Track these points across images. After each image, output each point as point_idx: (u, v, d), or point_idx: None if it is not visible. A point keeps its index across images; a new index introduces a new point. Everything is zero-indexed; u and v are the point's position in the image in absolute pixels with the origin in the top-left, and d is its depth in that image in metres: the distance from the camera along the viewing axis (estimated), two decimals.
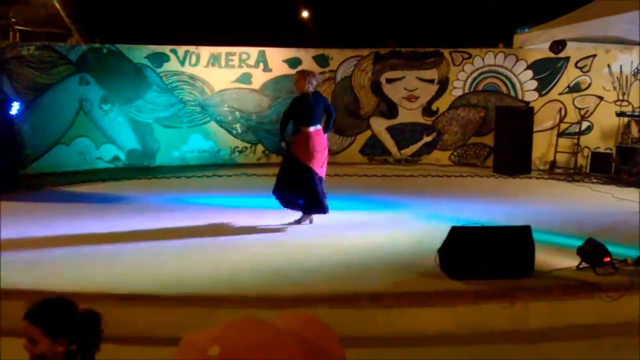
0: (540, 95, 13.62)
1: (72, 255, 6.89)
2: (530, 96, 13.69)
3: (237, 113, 13.99)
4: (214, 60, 13.79)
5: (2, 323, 4.88)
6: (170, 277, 6.12)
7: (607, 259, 6.22)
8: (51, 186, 11.18)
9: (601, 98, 13.03)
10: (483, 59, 14.04)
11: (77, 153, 12.84)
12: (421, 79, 14.30)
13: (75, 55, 12.85)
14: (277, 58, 14.06)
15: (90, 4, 19.96)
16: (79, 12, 20.38)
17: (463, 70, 14.16)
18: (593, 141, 12.98)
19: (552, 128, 13.48)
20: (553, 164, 13.25)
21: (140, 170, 12.90)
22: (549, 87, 13.55)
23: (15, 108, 10.97)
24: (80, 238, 7.63)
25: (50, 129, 12.54)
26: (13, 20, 18.53)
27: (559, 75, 13.44)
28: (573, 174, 12.63)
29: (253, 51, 14.02)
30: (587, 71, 13.20)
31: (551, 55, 13.15)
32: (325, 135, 8.31)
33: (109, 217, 8.81)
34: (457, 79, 14.18)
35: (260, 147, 14.10)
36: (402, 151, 14.41)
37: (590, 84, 13.16)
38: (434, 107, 14.32)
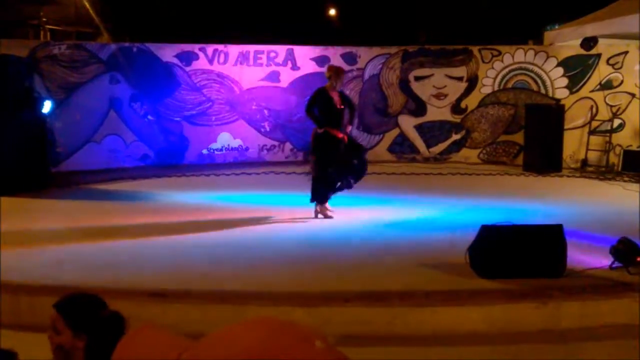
0: (571, 93, 13.49)
1: (103, 252, 6.95)
2: (561, 93, 13.57)
3: (266, 111, 14.04)
4: (243, 58, 13.85)
5: (32, 318, 5.02)
6: (201, 274, 6.15)
7: None
8: (82, 184, 11.32)
9: (633, 95, 12.88)
10: (513, 56, 13.94)
11: (107, 151, 12.98)
12: (450, 77, 14.23)
13: (106, 54, 12.98)
14: (305, 56, 14.08)
15: (120, 3, 20.16)
16: (108, 11, 20.57)
17: (492, 68, 14.06)
18: (625, 139, 12.82)
19: (583, 126, 13.34)
20: (584, 162, 13.11)
21: (170, 168, 12.99)
22: (580, 84, 13.42)
23: (47, 106, 11.09)
24: (111, 235, 7.69)
25: (81, 127, 12.70)
26: (44, 19, 18.74)
27: (590, 73, 13.30)
28: (605, 172, 12.47)
29: (281, 49, 14.06)
30: (619, 68, 13.04)
31: (582, 52, 13.01)
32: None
33: (139, 215, 8.88)
34: (487, 77, 14.09)
35: (288, 145, 14.14)
36: (431, 149, 14.35)
37: (622, 81, 13.01)
38: (463, 105, 14.24)
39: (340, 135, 8.46)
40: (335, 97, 8.47)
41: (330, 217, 8.53)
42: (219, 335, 2.14)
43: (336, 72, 8.54)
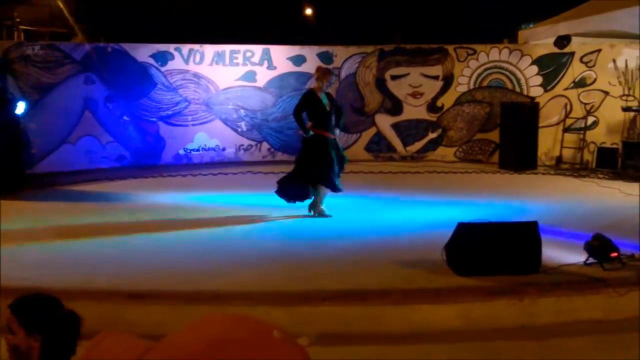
0: (546, 91, 13.61)
1: (80, 254, 6.90)
2: (536, 92, 13.68)
3: (242, 111, 13.99)
4: (219, 58, 13.80)
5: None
6: (179, 275, 6.13)
7: (615, 255, 6.20)
8: (58, 185, 11.21)
9: (607, 93, 13.01)
10: (488, 55, 14.03)
11: (82, 152, 12.85)
12: (426, 76, 14.29)
13: (80, 55, 12.86)
14: (282, 56, 14.06)
15: (94, 3, 20.00)
16: (82, 12, 20.41)
17: (468, 66, 14.15)
18: (599, 136, 12.95)
19: (557, 123, 13.46)
20: (559, 160, 13.23)
21: (146, 168, 12.90)
22: (554, 82, 13.54)
23: (20, 108, 10.98)
24: (88, 236, 7.64)
25: (56, 128, 12.56)
26: (17, 20, 18.54)
27: (564, 71, 13.42)
28: (579, 170, 12.60)
29: (257, 49, 14.02)
30: (592, 66, 13.18)
31: (556, 50, 13.13)
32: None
33: (117, 216, 8.83)
34: (462, 75, 14.17)
35: (265, 145, 14.10)
36: (408, 148, 14.40)
37: (595, 79, 13.14)
38: (439, 104, 14.31)
39: (331, 135, 8.45)
40: (324, 99, 8.48)
41: (327, 216, 8.56)
42: (179, 334, 2.16)
43: (324, 73, 8.54)
